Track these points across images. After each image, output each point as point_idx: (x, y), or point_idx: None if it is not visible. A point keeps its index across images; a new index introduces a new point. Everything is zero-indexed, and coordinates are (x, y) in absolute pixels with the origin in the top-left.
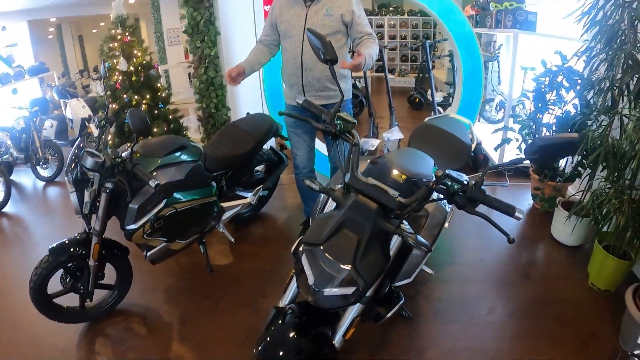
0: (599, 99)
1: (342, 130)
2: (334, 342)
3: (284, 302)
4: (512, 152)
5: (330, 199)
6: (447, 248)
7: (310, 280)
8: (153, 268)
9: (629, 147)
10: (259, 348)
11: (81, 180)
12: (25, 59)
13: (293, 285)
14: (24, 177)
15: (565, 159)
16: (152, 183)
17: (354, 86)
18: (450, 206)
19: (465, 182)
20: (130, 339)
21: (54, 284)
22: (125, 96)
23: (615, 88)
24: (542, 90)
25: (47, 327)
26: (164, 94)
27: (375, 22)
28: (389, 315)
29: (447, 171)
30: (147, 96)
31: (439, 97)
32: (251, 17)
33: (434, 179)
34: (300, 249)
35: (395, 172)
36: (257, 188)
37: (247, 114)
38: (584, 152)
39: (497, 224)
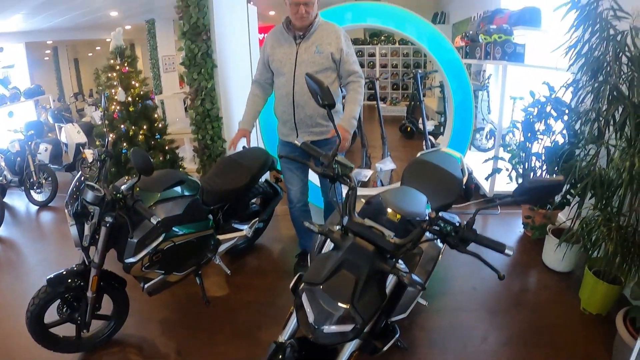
0: (586, 129)
1: (339, 174)
2: None
3: (283, 337)
4: (503, 181)
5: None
6: (439, 277)
7: (311, 318)
8: (149, 299)
9: (615, 176)
10: None
11: (81, 213)
12: (21, 80)
13: (293, 321)
14: (16, 200)
15: None
16: (154, 220)
17: None
18: None
19: (457, 224)
20: None
21: (51, 313)
22: (122, 126)
23: (601, 119)
24: (531, 120)
25: (43, 356)
26: (160, 125)
27: (367, 51)
28: (385, 348)
29: (440, 213)
30: (144, 127)
31: (430, 125)
32: (247, 50)
33: (427, 217)
34: (301, 287)
35: (390, 211)
36: (253, 221)
37: (243, 147)
38: (573, 181)
39: (488, 261)
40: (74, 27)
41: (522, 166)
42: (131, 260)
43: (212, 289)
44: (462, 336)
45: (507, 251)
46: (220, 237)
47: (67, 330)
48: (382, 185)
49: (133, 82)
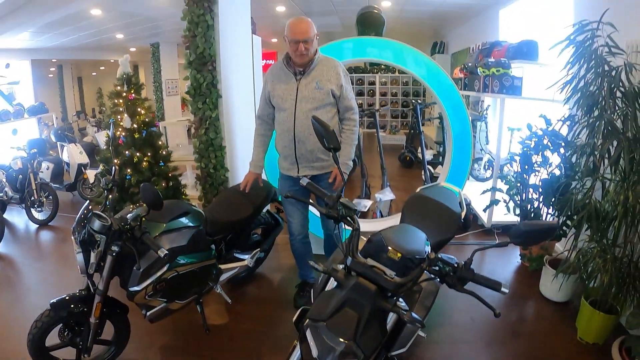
0: (581, 161)
1: (343, 216)
2: None
3: None
4: (501, 212)
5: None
6: (438, 309)
7: (314, 352)
8: (150, 325)
9: (610, 209)
10: None
11: (88, 241)
12: (25, 96)
13: (296, 354)
14: (16, 217)
15: (551, 216)
16: (161, 253)
17: None
18: None
19: (455, 264)
20: None
21: (52, 336)
22: (127, 152)
23: (596, 154)
24: (528, 153)
25: None
26: (164, 152)
27: (367, 79)
28: None
29: (438, 254)
30: (149, 154)
31: (429, 155)
32: (251, 81)
33: (426, 256)
34: (305, 323)
35: (390, 249)
36: (255, 251)
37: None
38: (569, 213)
39: (484, 299)
40: (80, 47)
41: (519, 197)
42: (135, 288)
43: (213, 316)
44: None
45: (503, 289)
46: (222, 266)
47: (67, 353)
48: (382, 215)
49: (139, 109)
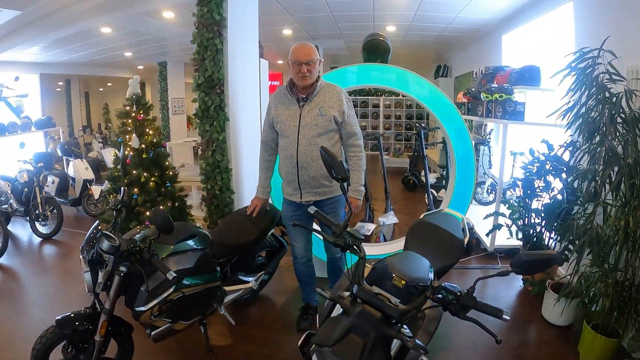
0: (583, 186)
1: (350, 244)
2: None
3: None
4: (503, 236)
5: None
6: (440, 333)
7: None
8: (154, 345)
9: (612, 233)
10: None
11: (96, 261)
12: (33, 109)
13: None
14: (19, 229)
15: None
16: (170, 276)
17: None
18: None
19: (458, 293)
20: None
21: (56, 352)
22: (134, 172)
23: (597, 179)
24: (531, 178)
25: None
26: (171, 173)
27: (372, 102)
28: None
29: (442, 283)
30: (156, 174)
31: (432, 178)
32: (257, 104)
33: (430, 282)
34: (312, 348)
35: (395, 276)
36: (259, 274)
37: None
38: (571, 238)
39: (486, 326)
40: (88, 63)
41: (522, 222)
42: (142, 308)
43: (216, 338)
44: None
45: (504, 316)
46: (227, 288)
47: None
48: (385, 239)
49: (147, 130)
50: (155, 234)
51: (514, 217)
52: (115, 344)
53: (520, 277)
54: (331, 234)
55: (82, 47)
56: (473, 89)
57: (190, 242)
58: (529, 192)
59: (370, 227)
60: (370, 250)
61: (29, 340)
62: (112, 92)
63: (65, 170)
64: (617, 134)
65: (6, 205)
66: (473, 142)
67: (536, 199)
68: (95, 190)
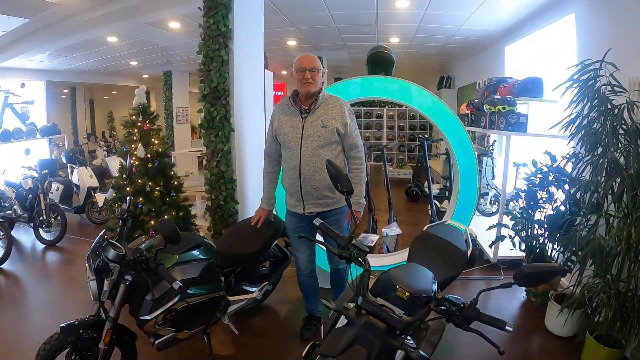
0: (585, 198)
1: (355, 257)
2: None
3: None
4: (506, 247)
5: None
6: (443, 343)
7: None
8: (157, 353)
9: (614, 244)
10: None
11: (102, 269)
12: (38, 116)
13: None
14: (23, 235)
15: (556, 252)
16: (176, 286)
17: None
18: None
19: (462, 305)
20: None
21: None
22: (140, 181)
23: (600, 191)
24: (534, 189)
25: None
26: (176, 182)
27: (375, 113)
28: None
29: (445, 295)
30: (161, 183)
31: (435, 189)
32: (262, 115)
33: (433, 294)
34: (317, 358)
35: (399, 288)
36: (263, 284)
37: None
38: (573, 249)
39: (489, 338)
40: (94, 71)
41: (525, 233)
42: (146, 317)
43: (219, 347)
44: None
45: (507, 328)
46: (231, 298)
47: None
48: (388, 250)
49: (153, 139)
50: (162, 243)
51: (517, 228)
52: (119, 352)
53: (524, 288)
54: (336, 246)
55: (88, 56)
56: (476, 101)
57: (195, 252)
58: (531, 203)
59: (373, 238)
60: (374, 261)
61: (32, 347)
62: (116, 100)
63: (70, 178)
64: (619, 146)
65: (10, 211)
66: (476, 154)
67: (539, 210)
68: (100, 198)
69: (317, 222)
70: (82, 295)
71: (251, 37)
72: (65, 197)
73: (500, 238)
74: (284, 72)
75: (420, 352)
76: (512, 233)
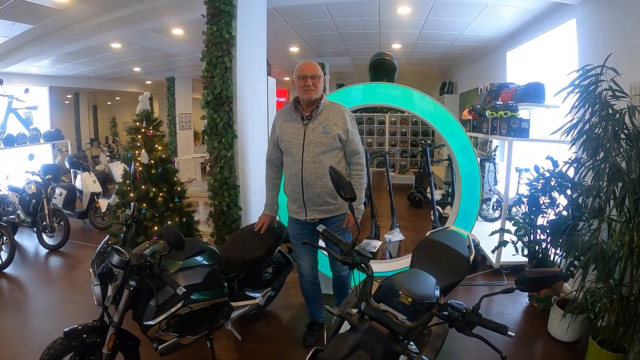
0: (588, 203)
1: (358, 263)
2: None
3: None
4: (509, 252)
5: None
6: (445, 348)
7: None
8: (160, 358)
9: (617, 249)
10: None
11: (106, 274)
12: (41, 121)
13: None
14: (26, 240)
15: (559, 257)
16: (180, 291)
17: None
18: None
19: (464, 310)
20: None
21: None
22: (143, 187)
23: (602, 196)
24: (536, 194)
25: None
26: (179, 188)
27: (377, 119)
28: None
29: (448, 300)
30: (164, 189)
31: (438, 195)
32: (265, 121)
33: (436, 299)
34: None
35: (402, 294)
36: (266, 290)
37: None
38: (576, 254)
39: (492, 343)
40: (97, 77)
41: (527, 238)
42: (150, 322)
43: (222, 353)
44: None
45: (509, 333)
46: (234, 304)
47: None
48: (391, 256)
49: (156, 145)
50: (166, 249)
51: (520, 233)
52: (123, 357)
53: (526, 293)
54: (339, 252)
55: (91, 62)
56: (478, 106)
57: (199, 258)
58: (534, 208)
59: (376, 244)
60: (377, 267)
61: (35, 351)
62: (119, 106)
63: (73, 183)
64: (621, 150)
65: (14, 216)
66: (478, 159)
67: (541, 215)
68: (103, 204)
69: (321, 228)
70: (85, 300)
71: (254, 44)
72: (69, 203)
73: (502, 243)
74: (287, 79)
75: (423, 357)
76: (514, 238)
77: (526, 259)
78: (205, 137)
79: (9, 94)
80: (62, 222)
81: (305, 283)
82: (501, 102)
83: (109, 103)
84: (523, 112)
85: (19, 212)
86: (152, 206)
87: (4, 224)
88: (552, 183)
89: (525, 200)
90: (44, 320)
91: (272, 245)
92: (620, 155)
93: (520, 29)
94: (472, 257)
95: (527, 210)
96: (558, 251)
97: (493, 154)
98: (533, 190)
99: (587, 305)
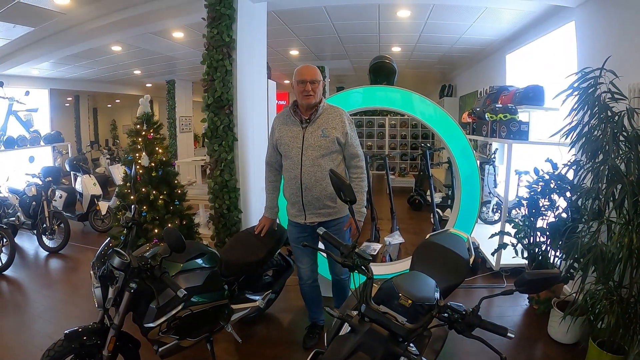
0: (587, 205)
1: (358, 265)
2: None
3: None
4: (509, 255)
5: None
6: (446, 350)
7: None
8: None
9: (616, 251)
10: None
11: (107, 277)
12: (42, 124)
13: None
14: (26, 242)
15: (559, 259)
16: (180, 294)
17: None
18: None
19: (464, 311)
20: None
21: None
22: (144, 190)
23: (601, 198)
24: (535, 197)
25: None
26: (179, 191)
27: (377, 122)
28: None
29: (448, 302)
30: (165, 192)
31: (438, 198)
32: (265, 124)
33: (436, 301)
34: None
35: (402, 296)
36: (266, 293)
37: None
38: (575, 256)
39: (491, 344)
40: (98, 79)
41: (527, 241)
42: (150, 325)
43: (222, 355)
44: None
45: (509, 334)
46: (234, 306)
47: None
48: (391, 259)
49: (157, 148)
50: (167, 252)
51: (519, 236)
52: (123, 359)
53: (526, 295)
54: (339, 255)
55: (92, 64)
56: (478, 109)
57: (199, 261)
58: (533, 210)
59: (376, 247)
60: (377, 270)
61: (36, 354)
62: (120, 109)
63: (73, 186)
64: (620, 152)
65: (14, 218)
66: (478, 162)
67: (541, 217)
68: (103, 206)
69: (321, 230)
70: (85, 302)
71: (254, 47)
72: (69, 205)
73: (502, 246)
74: (287, 82)
75: (423, 358)
76: (514, 241)
77: (526, 262)
78: (206, 140)
79: (10, 97)
80: (62, 225)
81: (305, 286)
82: (501, 105)
83: (109, 106)
84: (522, 115)
85: (19, 214)
86: (153, 209)
87: (4, 226)
88: (552, 185)
89: (524, 202)
90: (44, 323)
91: (272, 248)
92: (620, 158)
93: (520, 31)
94: (471, 260)
95: (526, 212)
96: (558, 253)
97: (493, 156)
98: (533, 193)
99: (587, 307)
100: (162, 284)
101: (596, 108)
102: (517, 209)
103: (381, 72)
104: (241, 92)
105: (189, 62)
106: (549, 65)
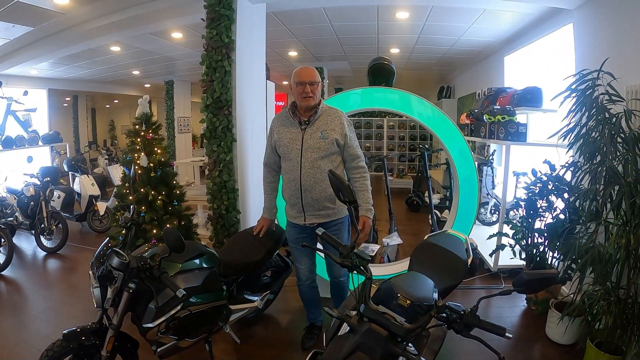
0: (585, 206)
1: (357, 265)
2: None
3: None
4: (507, 256)
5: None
6: (444, 351)
7: None
8: None
9: (614, 252)
10: None
11: (106, 277)
12: (40, 124)
13: None
14: (24, 242)
15: (556, 260)
16: (179, 294)
17: None
18: None
19: (462, 312)
20: None
21: None
22: (142, 190)
23: (598, 199)
24: (533, 198)
25: None
26: (178, 192)
27: (375, 123)
28: None
29: (446, 303)
30: (163, 192)
31: (436, 199)
32: (264, 125)
33: (434, 302)
34: None
35: (400, 296)
36: (265, 293)
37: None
38: (573, 257)
39: (489, 344)
40: (96, 79)
41: (525, 242)
42: (149, 325)
43: (221, 356)
44: None
45: (507, 334)
46: (233, 307)
47: None
48: (389, 260)
49: (155, 149)
50: (166, 252)
51: (517, 237)
52: (121, 359)
53: (524, 296)
54: (338, 255)
55: (90, 64)
56: (476, 111)
57: (198, 261)
58: (531, 212)
59: (374, 248)
60: (375, 270)
61: (34, 354)
62: (118, 109)
63: (71, 186)
64: (617, 154)
65: (12, 218)
66: (476, 163)
67: (539, 218)
68: (101, 207)
69: (320, 231)
70: (84, 302)
71: (253, 48)
72: (67, 205)
73: (500, 247)
74: (285, 83)
75: (422, 358)
76: (512, 242)
77: (524, 263)
78: (205, 140)
79: (8, 96)
80: (60, 225)
81: (303, 287)
82: (499, 107)
83: (108, 106)
84: (520, 117)
85: (17, 214)
86: (151, 209)
87: (2, 227)
88: (550, 187)
89: (522, 203)
90: (43, 323)
91: (271, 249)
92: (617, 159)
93: (518, 33)
94: (469, 261)
95: (524, 213)
96: (555, 254)
97: (491, 158)
98: (530, 194)
99: (584, 307)
100: (161, 284)
101: (594, 110)
102: (515, 210)
103: (380, 74)
104: (240, 92)
105: (188, 62)
106: (547, 67)
